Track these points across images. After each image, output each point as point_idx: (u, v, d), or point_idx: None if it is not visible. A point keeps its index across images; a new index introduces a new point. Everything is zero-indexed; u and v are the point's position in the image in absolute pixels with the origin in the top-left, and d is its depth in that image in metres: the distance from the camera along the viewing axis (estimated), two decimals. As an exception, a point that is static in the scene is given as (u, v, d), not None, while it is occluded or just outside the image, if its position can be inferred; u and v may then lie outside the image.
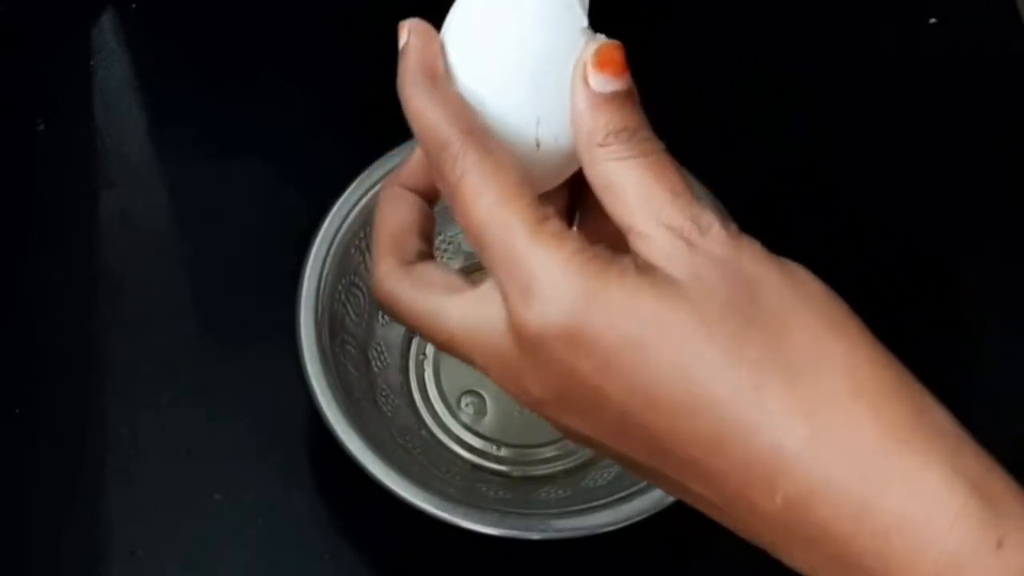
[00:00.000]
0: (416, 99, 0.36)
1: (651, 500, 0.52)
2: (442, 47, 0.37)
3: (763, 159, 0.66)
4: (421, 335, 0.39)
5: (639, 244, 0.34)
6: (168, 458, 0.58)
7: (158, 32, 0.68)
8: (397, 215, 0.40)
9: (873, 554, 0.31)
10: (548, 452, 0.58)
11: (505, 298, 0.34)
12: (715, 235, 0.34)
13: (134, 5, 0.68)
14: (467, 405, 0.59)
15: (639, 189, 0.34)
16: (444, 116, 0.36)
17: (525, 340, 0.34)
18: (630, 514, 0.52)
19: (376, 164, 0.58)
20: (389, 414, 0.58)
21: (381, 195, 0.40)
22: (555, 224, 0.34)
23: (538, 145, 0.37)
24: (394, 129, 0.56)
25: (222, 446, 0.58)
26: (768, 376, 0.32)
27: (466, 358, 0.37)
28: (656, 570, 0.58)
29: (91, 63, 0.67)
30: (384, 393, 0.58)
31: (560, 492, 0.56)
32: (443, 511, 0.51)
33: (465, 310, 0.36)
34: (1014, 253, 0.66)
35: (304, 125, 0.66)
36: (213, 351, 0.61)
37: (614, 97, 0.35)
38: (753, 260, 0.34)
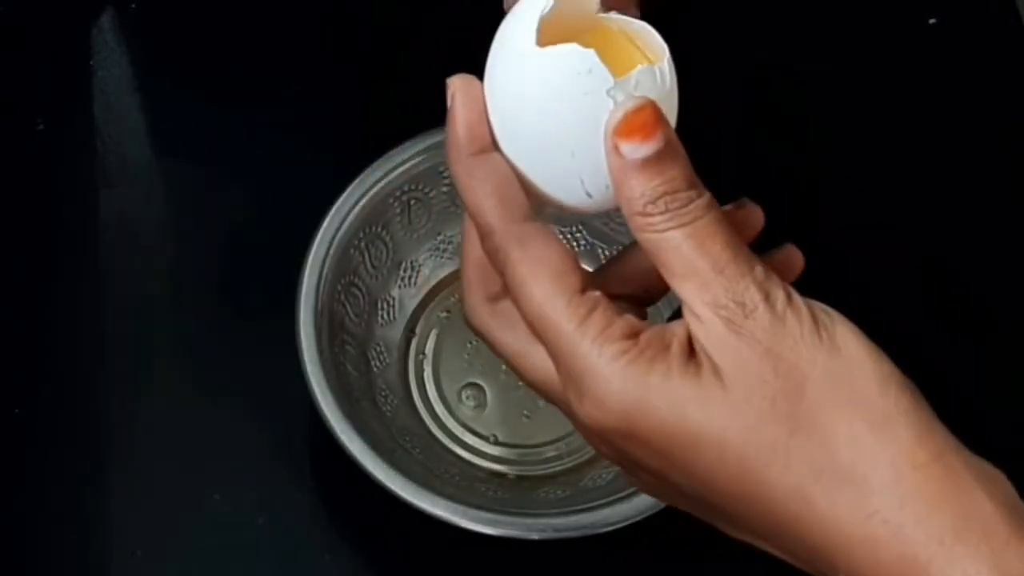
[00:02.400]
0: (462, 178, 0.37)
1: (651, 500, 0.51)
2: (485, 108, 0.37)
3: (762, 159, 0.66)
4: (499, 354, 0.39)
5: (689, 318, 0.34)
6: (168, 458, 0.58)
7: (158, 32, 0.68)
8: (479, 249, 0.39)
9: None
10: (548, 452, 0.58)
11: (563, 382, 0.36)
12: (760, 317, 0.33)
13: (134, 5, 0.68)
14: (468, 398, 0.59)
15: (683, 263, 0.34)
16: (488, 203, 0.36)
17: (585, 426, 0.35)
18: (630, 514, 0.52)
19: (376, 164, 0.58)
20: (389, 414, 0.57)
21: (465, 228, 0.39)
22: (599, 319, 0.35)
23: (589, 195, 0.37)
24: (394, 129, 0.57)
25: (222, 446, 0.58)
26: (815, 483, 0.32)
27: (552, 403, 0.38)
28: (656, 570, 0.58)
29: (91, 63, 0.67)
30: (384, 393, 0.58)
31: (560, 492, 0.56)
32: (443, 511, 0.51)
33: (546, 361, 0.36)
34: (1014, 253, 0.66)
35: (304, 125, 0.66)
36: (213, 351, 0.61)
37: (646, 163, 0.34)
38: (796, 347, 0.33)
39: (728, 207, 0.39)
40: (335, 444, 0.52)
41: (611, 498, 0.52)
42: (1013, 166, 0.68)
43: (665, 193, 0.34)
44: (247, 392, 0.59)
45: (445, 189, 0.59)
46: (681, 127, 0.36)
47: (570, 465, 0.58)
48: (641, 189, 0.34)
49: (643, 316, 0.40)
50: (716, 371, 0.33)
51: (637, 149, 0.34)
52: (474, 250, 0.38)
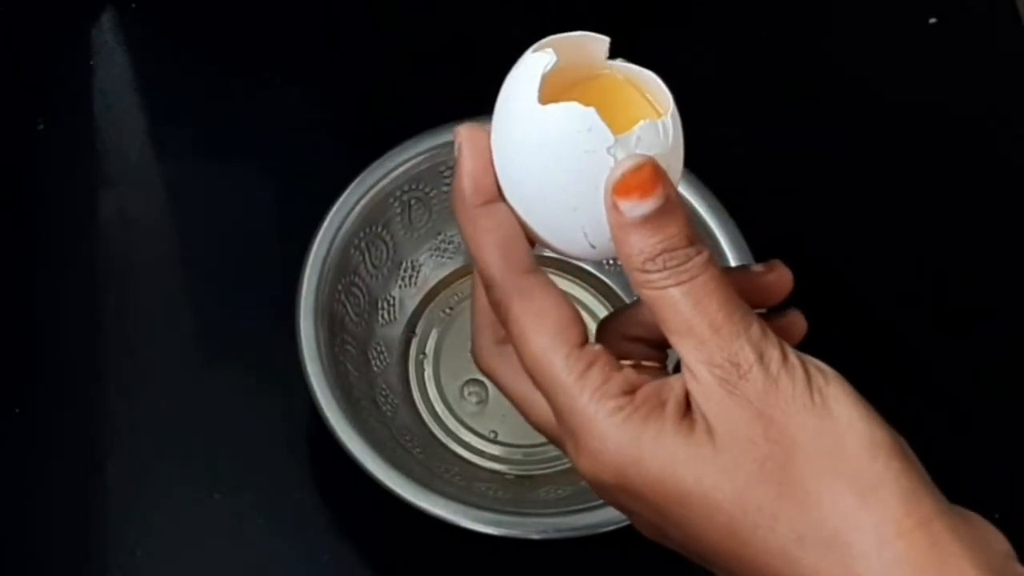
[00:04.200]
0: (467, 228, 0.37)
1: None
2: (491, 159, 0.37)
3: (760, 159, 0.66)
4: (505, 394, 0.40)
5: (686, 375, 0.35)
6: (168, 457, 0.58)
7: (158, 32, 0.68)
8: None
9: None
10: (548, 451, 0.58)
11: (566, 434, 0.36)
12: (753, 378, 0.34)
13: (134, 5, 0.68)
14: (470, 394, 0.59)
15: (680, 320, 0.34)
16: (491, 255, 0.37)
17: (582, 475, 0.36)
18: (630, 514, 0.52)
19: (376, 164, 0.57)
20: (389, 414, 0.58)
21: (475, 274, 0.40)
22: (596, 374, 0.35)
23: (593, 247, 0.37)
24: (394, 129, 0.57)
25: (222, 446, 0.58)
26: (800, 548, 0.33)
27: (554, 445, 0.39)
28: (656, 570, 0.58)
29: (91, 63, 0.67)
30: (384, 393, 0.58)
31: (560, 492, 0.56)
32: (443, 511, 0.51)
33: (548, 409, 0.37)
34: (1013, 253, 0.66)
35: (304, 125, 0.66)
36: (213, 351, 0.61)
37: (645, 221, 0.35)
38: (788, 409, 0.34)
39: (759, 267, 0.40)
40: (335, 444, 0.52)
41: (611, 498, 0.52)
42: (1013, 166, 0.68)
43: (664, 251, 0.34)
44: (247, 392, 0.59)
45: (445, 189, 0.59)
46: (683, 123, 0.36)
47: (570, 465, 0.58)
48: (640, 246, 0.35)
49: (663, 359, 0.41)
50: (709, 430, 0.34)
51: (636, 207, 0.34)
52: (482, 295, 0.39)
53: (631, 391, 0.35)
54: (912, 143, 0.68)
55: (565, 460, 0.58)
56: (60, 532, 0.56)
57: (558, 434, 0.37)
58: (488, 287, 0.37)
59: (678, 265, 0.34)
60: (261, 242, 0.63)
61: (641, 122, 0.35)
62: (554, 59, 0.36)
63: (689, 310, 0.34)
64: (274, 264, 0.60)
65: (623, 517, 0.51)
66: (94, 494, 0.57)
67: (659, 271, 0.34)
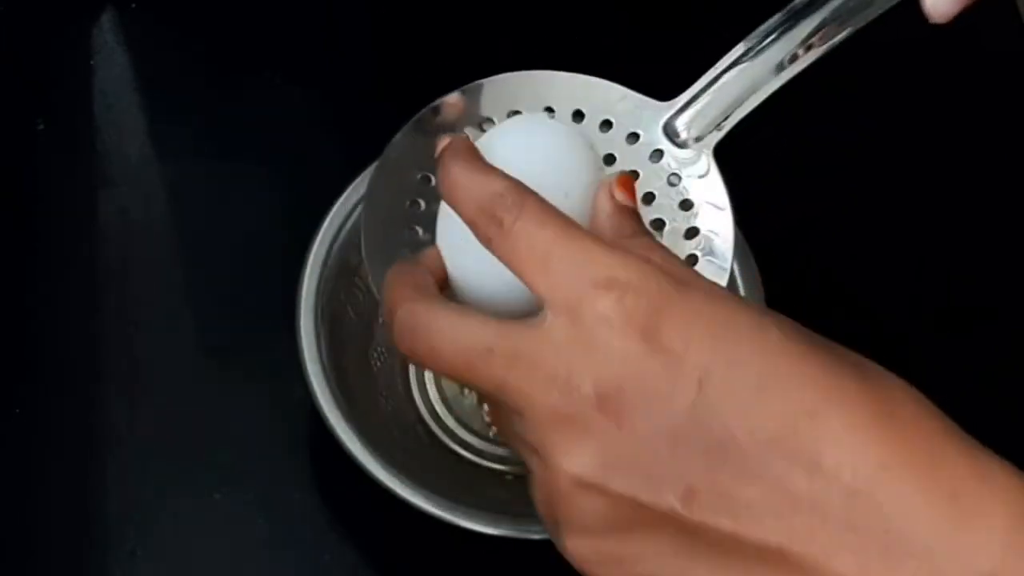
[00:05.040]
0: (458, 165, 0.38)
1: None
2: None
3: (759, 158, 0.66)
4: (435, 361, 0.38)
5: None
6: (168, 458, 0.58)
7: (158, 32, 0.68)
8: (411, 274, 0.40)
9: None
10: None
11: (575, 307, 0.35)
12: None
13: (134, 5, 0.68)
14: (470, 393, 0.59)
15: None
16: (495, 171, 0.38)
17: (589, 345, 0.34)
18: (630, 514, 0.52)
19: (376, 163, 0.57)
20: (389, 414, 0.57)
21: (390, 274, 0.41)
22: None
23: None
24: (394, 129, 0.57)
25: (222, 446, 0.58)
26: (841, 377, 0.34)
27: (490, 375, 0.36)
28: (656, 570, 0.58)
29: (91, 63, 0.67)
30: (384, 393, 0.58)
31: (560, 492, 0.56)
32: (443, 511, 0.51)
33: (507, 328, 0.36)
34: (1014, 253, 0.66)
35: (304, 125, 0.66)
36: (213, 351, 0.61)
37: (631, 209, 0.40)
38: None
39: None
40: (335, 444, 0.52)
41: (611, 498, 0.52)
42: (1013, 166, 0.68)
43: (638, 231, 0.41)
44: (247, 392, 0.59)
45: (445, 189, 0.59)
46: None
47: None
48: (622, 223, 0.40)
49: None
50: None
51: (627, 200, 0.41)
52: (402, 277, 0.40)
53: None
54: (911, 143, 0.68)
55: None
56: (60, 532, 0.56)
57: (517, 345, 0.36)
58: (490, 198, 0.37)
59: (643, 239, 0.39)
60: (261, 242, 0.63)
61: None
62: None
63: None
64: (274, 264, 0.60)
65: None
66: (94, 494, 0.57)
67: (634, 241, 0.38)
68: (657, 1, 0.70)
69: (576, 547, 0.36)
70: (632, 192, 0.40)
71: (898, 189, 0.67)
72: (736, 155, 0.65)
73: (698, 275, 0.36)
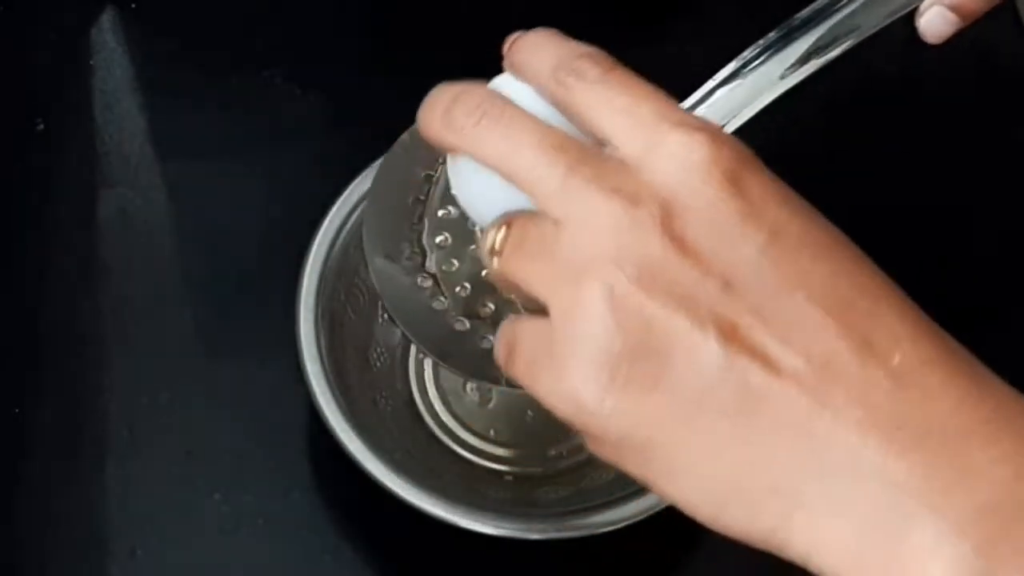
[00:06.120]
0: (543, 33, 0.38)
1: (651, 500, 0.52)
2: None
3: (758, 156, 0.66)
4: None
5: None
6: (168, 458, 0.58)
7: (158, 32, 0.68)
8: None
9: None
10: (548, 451, 0.58)
11: (658, 134, 0.34)
12: None
13: (134, 5, 0.68)
14: (472, 390, 0.59)
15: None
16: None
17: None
18: (630, 514, 0.52)
19: (376, 163, 0.57)
20: (389, 414, 0.57)
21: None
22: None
23: None
24: (394, 129, 0.57)
25: (222, 446, 0.58)
26: None
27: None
28: (656, 570, 0.58)
29: (91, 63, 0.67)
30: (384, 393, 0.58)
31: (560, 492, 0.56)
32: (443, 511, 0.51)
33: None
34: (1014, 253, 0.66)
35: (304, 125, 0.66)
36: (213, 351, 0.61)
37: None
38: None
39: None
40: (335, 444, 0.52)
41: (611, 498, 0.52)
42: (1013, 167, 0.68)
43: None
44: (247, 392, 0.59)
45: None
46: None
47: (570, 465, 0.58)
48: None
49: None
50: None
51: None
52: None
53: None
54: (912, 143, 0.68)
55: (565, 460, 0.58)
56: (61, 532, 0.56)
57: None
58: (571, 59, 0.37)
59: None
60: (261, 242, 0.63)
61: None
62: None
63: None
64: (274, 264, 0.60)
65: (623, 518, 0.52)
66: (94, 494, 0.57)
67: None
68: (658, 10, 0.70)
69: (594, 371, 0.33)
70: None
71: (897, 189, 0.67)
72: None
73: None
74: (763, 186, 0.34)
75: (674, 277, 0.32)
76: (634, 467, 0.34)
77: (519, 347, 0.36)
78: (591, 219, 0.34)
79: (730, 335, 0.32)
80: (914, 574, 0.31)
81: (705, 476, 0.33)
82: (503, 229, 0.36)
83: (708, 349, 0.32)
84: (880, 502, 0.31)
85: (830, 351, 0.32)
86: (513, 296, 0.38)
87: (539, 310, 0.35)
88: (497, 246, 0.36)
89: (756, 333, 0.32)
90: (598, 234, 0.33)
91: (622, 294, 0.33)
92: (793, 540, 0.32)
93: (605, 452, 0.35)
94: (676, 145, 0.34)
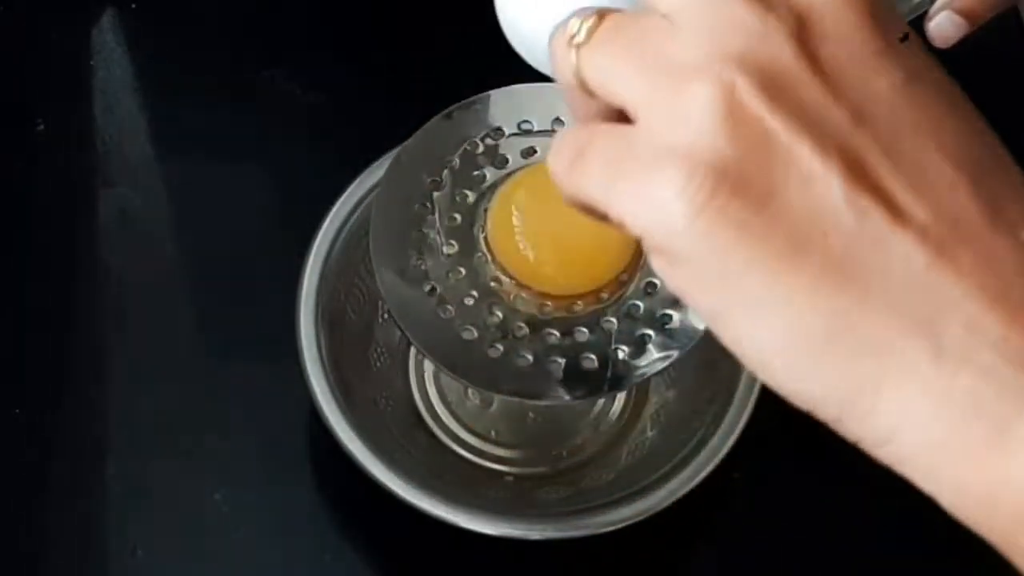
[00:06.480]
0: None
1: (651, 500, 0.52)
2: None
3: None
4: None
5: None
6: (168, 458, 0.58)
7: (158, 32, 0.68)
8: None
9: None
10: (549, 452, 0.58)
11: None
12: None
13: (134, 5, 0.68)
14: (474, 393, 0.59)
15: None
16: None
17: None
18: (630, 514, 0.52)
19: (377, 164, 0.57)
20: (389, 414, 0.58)
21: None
22: None
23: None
24: (394, 129, 0.57)
25: (222, 446, 0.58)
26: None
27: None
28: (656, 570, 0.58)
29: (91, 63, 0.67)
30: (384, 393, 0.58)
31: (560, 492, 0.56)
32: (443, 511, 0.51)
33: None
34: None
35: (304, 125, 0.66)
36: (213, 351, 0.61)
37: None
38: None
39: None
40: (335, 444, 0.52)
41: (611, 498, 0.52)
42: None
43: None
44: (247, 392, 0.59)
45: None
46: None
47: (570, 465, 0.58)
48: None
49: None
50: None
51: None
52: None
53: None
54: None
55: (565, 460, 0.58)
56: (60, 532, 0.56)
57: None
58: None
59: None
60: (261, 242, 0.63)
61: None
62: None
63: None
64: (274, 264, 0.60)
65: (623, 518, 0.52)
66: (94, 494, 0.57)
67: None
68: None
69: (696, 180, 0.28)
70: None
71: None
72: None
73: None
74: (901, 31, 0.31)
75: (803, 96, 0.29)
76: (710, 299, 0.30)
77: (594, 147, 0.31)
78: (715, 15, 0.29)
79: (856, 171, 0.28)
80: (1017, 467, 0.27)
81: (795, 319, 0.28)
82: (592, 17, 0.31)
83: (829, 182, 0.28)
84: (992, 378, 0.27)
85: (960, 208, 0.29)
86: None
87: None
88: (582, 34, 0.31)
89: (885, 175, 0.29)
90: (722, 32, 0.29)
91: (742, 99, 0.29)
92: (879, 408, 0.28)
93: (678, 277, 0.30)
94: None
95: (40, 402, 0.59)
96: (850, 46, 0.30)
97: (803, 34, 0.29)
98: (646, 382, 0.57)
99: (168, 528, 0.56)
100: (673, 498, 0.52)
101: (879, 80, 0.30)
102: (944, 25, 0.45)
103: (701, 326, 0.45)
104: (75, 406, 0.59)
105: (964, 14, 0.45)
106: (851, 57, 0.30)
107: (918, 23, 0.47)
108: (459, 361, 0.45)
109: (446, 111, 0.49)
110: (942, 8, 0.45)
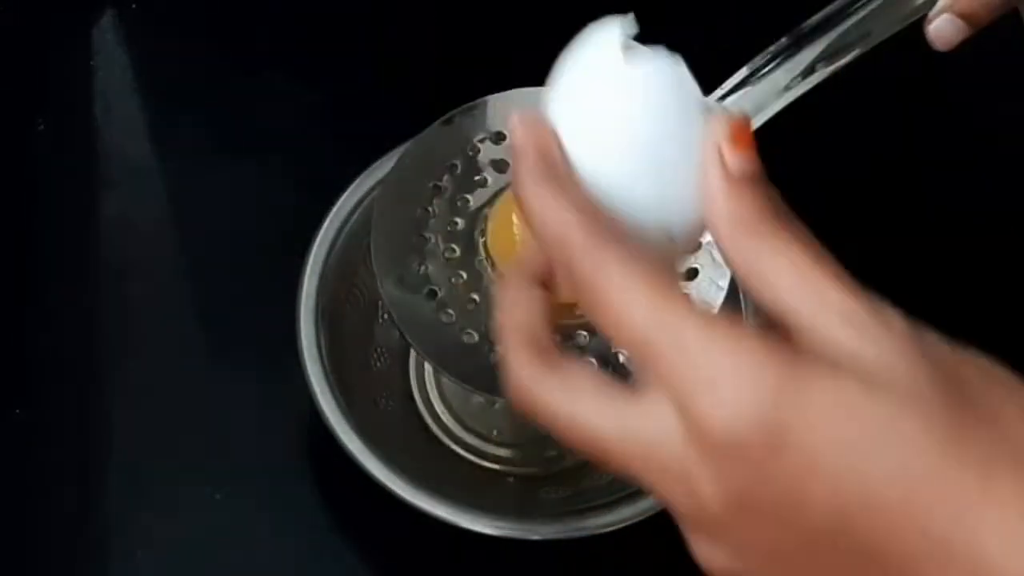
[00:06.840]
0: (539, 200, 0.33)
1: (651, 500, 0.51)
2: (556, 139, 0.34)
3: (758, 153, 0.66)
4: (560, 439, 0.33)
5: (811, 335, 0.31)
6: (168, 458, 0.58)
7: (158, 32, 0.68)
8: (522, 305, 0.34)
9: None
10: (549, 452, 0.58)
11: (683, 404, 0.30)
12: (899, 326, 0.31)
13: (134, 5, 0.68)
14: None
15: (799, 275, 0.32)
16: (573, 215, 0.32)
17: (710, 446, 0.30)
18: (630, 515, 0.52)
19: (376, 164, 0.58)
20: (389, 414, 0.58)
21: (500, 290, 0.36)
22: (722, 315, 0.32)
23: (671, 238, 0.34)
24: (394, 129, 0.57)
25: (222, 446, 0.58)
26: (995, 471, 0.28)
27: (619, 469, 0.32)
28: (656, 570, 0.58)
29: (91, 63, 0.67)
30: (384, 393, 0.58)
31: (560, 492, 0.56)
32: (443, 511, 0.51)
33: (625, 421, 0.32)
34: (1014, 252, 0.66)
35: (304, 125, 0.66)
36: (213, 351, 0.61)
37: (754, 178, 0.32)
38: (943, 352, 0.31)
39: None
40: (335, 444, 0.52)
41: (611, 498, 0.52)
42: (1014, 168, 0.68)
43: (772, 207, 0.32)
44: (247, 392, 0.59)
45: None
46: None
47: (570, 465, 0.58)
48: (748, 204, 0.32)
49: None
50: (871, 373, 0.30)
51: (746, 162, 0.32)
52: (517, 306, 0.34)
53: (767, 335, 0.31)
54: (912, 144, 0.68)
55: (565, 460, 0.58)
56: (60, 533, 0.56)
57: (633, 450, 0.31)
58: (568, 250, 0.32)
59: (789, 222, 0.32)
60: (261, 242, 0.63)
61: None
62: (632, 23, 0.34)
63: (810, 263, 0.32)
64: (274, 264, 0.60)
65: (624, 519, 0.52)
66: (94, 494, 0.57)
67: (772, 227, 0.32)
68: (666, 18, 0.70)
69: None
70: (751, 143, 0.33)
71: (898, 189, 0.67)
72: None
73: (820, 350, 0.31)
74: (807, 432, 0.30)
75: (759, 559, 0.31)
76: None
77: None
78: (671, 507, 0.32)
79: None
80: None
81: None
82: None
83: None
84: None
85: None
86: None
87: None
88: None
89: None
90: (681, 520, 0.32)
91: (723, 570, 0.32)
92: None
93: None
94: (706, 435, 0.30)
95: (40, 402, 0.59)
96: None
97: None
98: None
99: (168, 528, 0.56)
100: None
101: None
102: (944, 28, 0.45)
103: None
104: (75, 406, 0.59)
105: (964, 17, 0.45)
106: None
107: (918, 25, 0.46)
108: (460, 365, 0.45)
109: (446, 116, 0.49)
110: (942, 11, 0.45)
